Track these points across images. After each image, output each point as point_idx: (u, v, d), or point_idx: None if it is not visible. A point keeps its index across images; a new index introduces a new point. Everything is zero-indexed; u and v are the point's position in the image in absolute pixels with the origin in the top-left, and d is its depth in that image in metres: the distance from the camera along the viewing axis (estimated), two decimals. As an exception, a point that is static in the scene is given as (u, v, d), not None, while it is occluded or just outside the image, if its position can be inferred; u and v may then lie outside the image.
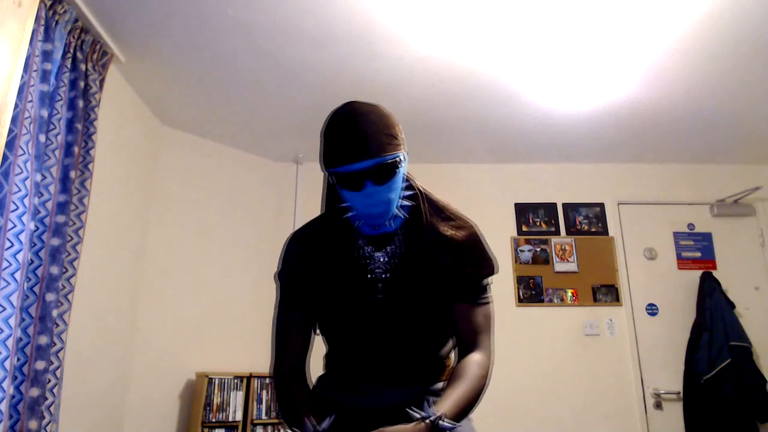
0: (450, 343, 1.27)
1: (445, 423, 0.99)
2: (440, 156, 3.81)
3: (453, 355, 1.30)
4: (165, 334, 3.18)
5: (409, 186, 1.22)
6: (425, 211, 1.23)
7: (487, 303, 1.24)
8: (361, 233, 1.23)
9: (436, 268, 1.19)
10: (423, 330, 1.21)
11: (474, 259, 1.22)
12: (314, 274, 1.24)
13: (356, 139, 1.07)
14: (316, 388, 1.33)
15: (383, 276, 1.19)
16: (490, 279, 1.25)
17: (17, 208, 1.86)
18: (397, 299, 1.19)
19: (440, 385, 1.26)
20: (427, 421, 0.98)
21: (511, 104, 3.13)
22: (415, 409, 1.01)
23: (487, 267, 1.23)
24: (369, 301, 1.19)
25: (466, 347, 1.20)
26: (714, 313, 3.40)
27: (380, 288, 1.19)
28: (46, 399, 2.05)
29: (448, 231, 1.22)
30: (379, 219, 1.16)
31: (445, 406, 1.04)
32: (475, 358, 1.17)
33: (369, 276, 1.20)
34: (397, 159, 1.11)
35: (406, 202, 1.20)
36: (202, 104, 3.20)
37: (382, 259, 1.20)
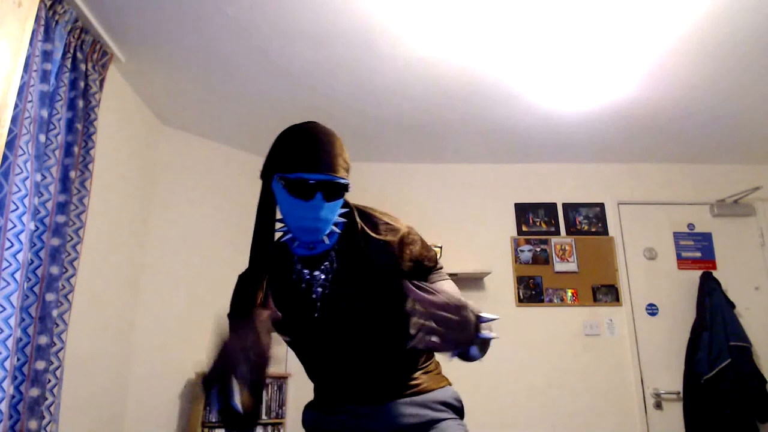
0: (412, 351, 1.26)
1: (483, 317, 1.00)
2: (440, 156, 3.81)
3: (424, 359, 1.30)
4: (165, 334, 3.18)
5: (344, 204, 1.23)
6: (358, 222, 1.24)
7: (442, 277, 1.25)
8: (298, 256, 1.24)
9: (376, 274, 1.19)
10: (371, 340, 1.22)
11: (414, 255, 1.22)
12: (258, 306, 1.21)
13: (320, 152, 1.12)
14: (304, 417, 1.35)
15: (324, 293, 1.21)
16: (438, 267, 1.26)
17: (17, 208, 1.86)
18: (334, 314, 1.20)
19: (442, 390, 1.26)
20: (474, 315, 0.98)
21: (511, 104, 3.13)
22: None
23: (429, 259, 1.24)
24: (309, 322, 1.21)
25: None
26: (714, 313, 3.40)
27: (318, 307, 1.20)
28: (46, 399, 2.05)
29: (382, 236, 1.22)
30: (312, 234, 1.16)
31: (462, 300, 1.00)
32: (439, 282, 1.20)
33: (312, 296, 1.21)
34: (348, 184, 1.16)
35: (340, 219, 1.21)
36: (202, 104, 3.20)
37: (320, 278, 1.21)
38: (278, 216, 1.21)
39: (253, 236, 1.23)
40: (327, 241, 1.20)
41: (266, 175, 1.20)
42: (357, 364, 1.22)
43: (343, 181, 1.15)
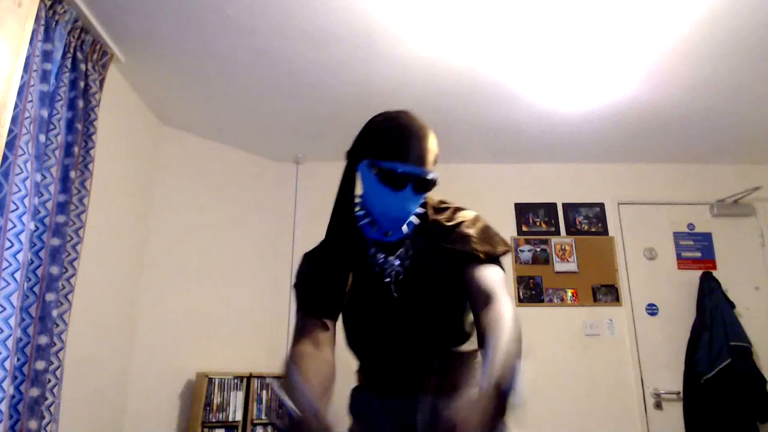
0: (473, 341, 1.27)
1: (507, 385, 0.88)
2: (440, 156, 3.79)
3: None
4: (165, 334, 3.18)
5: None
6: (429, 213, 1.25)
7: (499, 267, 1.20)
8: (374, 241, 1.24)
9: (448, 261, 1.19)
10: (444, 326, 1.21)
11: (486, 240, 1.21)
12: (329, 287, 1.21)
13: (420, 146, 1.13)
14: (352, 399, 1.33)
15: (399, 278, 1.20)
16: (505, 251, 1.23)
17: (17, 208, 1.86)
18: (412, 297, 1.19)
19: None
20: (483, 389, 0.87)
21: (511, 104, 3.13)
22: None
23: (502, 243, 1.22)
24: (385, 304, 1.20)
25: (484, 299, 1.10)
26: (714, 313, 3.40)
27: (393, 289, 1.20)
28: (46, 399, 2.05)
29: (450, 221, 1.23)
30: (395, 223, 1.18)
31: (495, 369, 0.90)
32: (496, 306, 1.05)
33: (385, 280, 1.20)
34: (437, 180, 1.17)
35: (418, 209, 1.22)
36: (202, 104, 3.20)
37: (395, 264, 1.21)
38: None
39: (332, 217, 1.21)
40: (405, 229, 1.21)
41: (353, 157, 1.19)
42: (424, 351, 1.21)
43: (435, 176, 1.15)
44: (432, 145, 1.17)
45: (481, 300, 1.10)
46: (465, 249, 1.18)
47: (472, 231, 1.21)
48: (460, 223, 1.23)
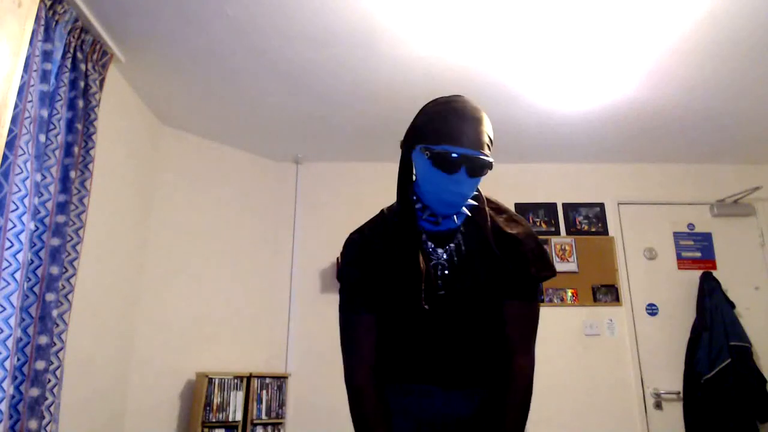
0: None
1: None
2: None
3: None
4: (165, 334, 3.18)
5: None
6: (487, 210, 1.24)
7: (538, 301, 1.25)
8: (424, 229, 1.22)
9: (497, 266, 1.19)
10: (483, 328, 1.21)
11: (537, 259, 1.22)
12: (375, 271, 1.21)
13: (473, 128, 1.11)
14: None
15: (444, 273, 1.19)
16: (551, 275, 1.26)
17: (17, 208, 1.86)
18: (457, 295, 1.18)
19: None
20: None
21: (511, 104, 3.13)
22: None
23: (549, 268, 1.24)
24: (430, 297, 1.18)
25: (512, 347, 1.19)
26: (714, 313, 3.40)
27: (440, 285, 1.18)
28: (46, 399, 2.05)
29: (509, 229, 1.22)
30: (449, 208, 1.16)
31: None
32: (519, 364, 1.18)
33: (432, 272, 1.19)
34: (492, 163, 1.14)
35: (471, 201, 1.21)
36: (202, 104, 3.20)
37: (443, 256, 1.20)
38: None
39: (397, 201, 1.23)
40: (456, 220, 1.19)
41: (408, 144, 1.19)
42: (459, 346, 1.20)
43: (489, 159, 1.13)
44: (486, 128, 1.15)
45: (510, 346, 1.19)
46: (523, 271, 1.19)
47: (529, 249, 1.21)
48: (518, 234, 1.21)
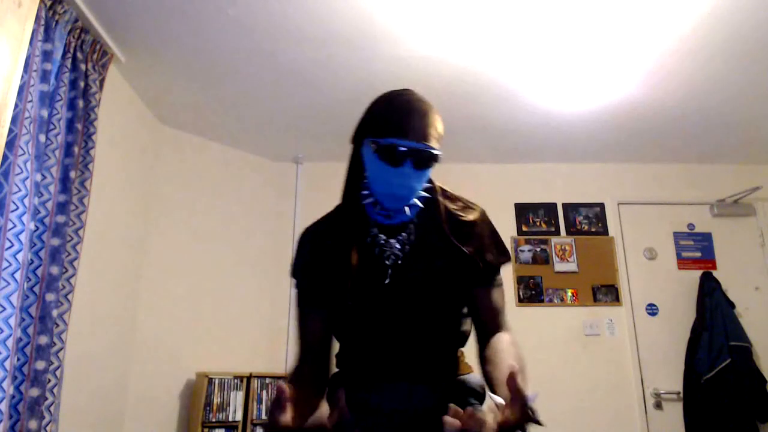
0: (463, 336, 1.27)
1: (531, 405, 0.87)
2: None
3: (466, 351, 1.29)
4: (165, 334, 3.18)
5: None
6: (440, 199, 1.25)
7: (501, 284, 1.25)
8: (376, 222, 1.22)
9: (453, 253, 1.19)
10: (435, 318, 1.20)
11: (493, 245, 1.23)
12: (326, 266, 1.22)
13: (414, 119, 1.11)
14: (330, 387, 1.32)
15: (397, 262, 1.19)
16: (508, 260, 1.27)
17: (17, 208, 1.86)
18: (406, 285, 1.18)
19: (468, 377, 1.24)
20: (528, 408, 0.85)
21: (511, 104, 3.13)
22: (493, 396, 0.95)
23: (505, 254, 1.25)
24: (377, 288, 1.18)
25: (489, 329, 1.20)
26: (714, 313, 3.40)
27: (389, 273, 1.18)
28: (46, 399, 2.05)
29: (464, 216, 1.23)
30: (398, 202, 1.16)
31: (521, 378, 0.88)
32: (504, 336, 1.18)
33: (384, 263, 1.19)
34: (439, 155, 1.14)
35: (422, 193, 1.21)
36: (202, 104, 3.20)
37: (395, 246, 1.20)
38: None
39: (342, 196, 1.24)
40: (408, 212, 1.19)
41: (357, 139, 1.20)
42: (412, 338, 1.20)
43: (435, 151, 1.13)
44: (433, 120, 1.15)
45: (487, 329, 1.19)
46: (481, 258, 1.19)
47: (484, 234, 1.22)
48: (474, 220, 1.23)
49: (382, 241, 1.20)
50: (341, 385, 1.26)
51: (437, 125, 1.16)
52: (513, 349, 1.14)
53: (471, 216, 1.24)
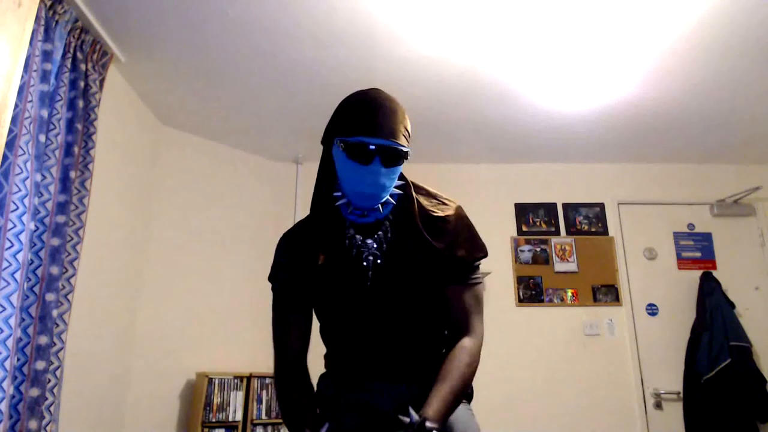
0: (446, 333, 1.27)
1: (430, 425, 0.98)
2: (440, 156, 3.80)
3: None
4: (165, 334, 3.18)
5: (400, 176, 1.23)
6: (414, 196, 1.24)
7: (478, 283, 1.24)
8: (353, 223, 1.22)
9: (428, 251, 1.19)
10: (416, 317, 1.21)
11: (466, 241, 1.22)
12: (305, 270, 1.23)
13: (382, 117, 1.12)
14: (318, 388, 1.32)
15: (376, 262, 1.19)
16: (484, 256, 1.26)
17: (17, 208, 1.86)
18: (387, 285, 1.18)
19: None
20: (411, 430, 0.97)
21: (511, 104, 3.13)
22: (401, 417, 1.01)
23: (479, 249, 1.24)
24: (359, 289, 1.19)
25: (458, 330, 1.20)
26: (714, 313, 3.40)
27: (370, 275, 1.19)
28: (46, 399, 2.05)
29: (437, 212, 1.23)
30: (369, 200, 1.16)
31: (430, 407, 1.04)
32: (465, 343, 1.17)
33: (363, 264, 1.19)
34: (408, 152, 1.14)
35: (396, 190, 1.21)
36: (202, 104, 3.20)
37: (372, 246, 1.20)
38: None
39: (312, 199, 1.25)
40: (381, 210, 1.19)
41: (327, 139, 1.20)
42: (395, 338, 1.20)
43: (403, 147, 1.13)
44: (401, 118, 1.15)
45: (456, 329, 1.20)
46: (452, 254, 1.19)
47: (458, 230, 1.22)
48: (447, 216, 1.22)
49: (359, 242, 1.21)
50: (329, 385, 1.27)
51: (405, 123, 1.17)
52: (463, 364, 1.14)
53: (445, 212, 1.23)
